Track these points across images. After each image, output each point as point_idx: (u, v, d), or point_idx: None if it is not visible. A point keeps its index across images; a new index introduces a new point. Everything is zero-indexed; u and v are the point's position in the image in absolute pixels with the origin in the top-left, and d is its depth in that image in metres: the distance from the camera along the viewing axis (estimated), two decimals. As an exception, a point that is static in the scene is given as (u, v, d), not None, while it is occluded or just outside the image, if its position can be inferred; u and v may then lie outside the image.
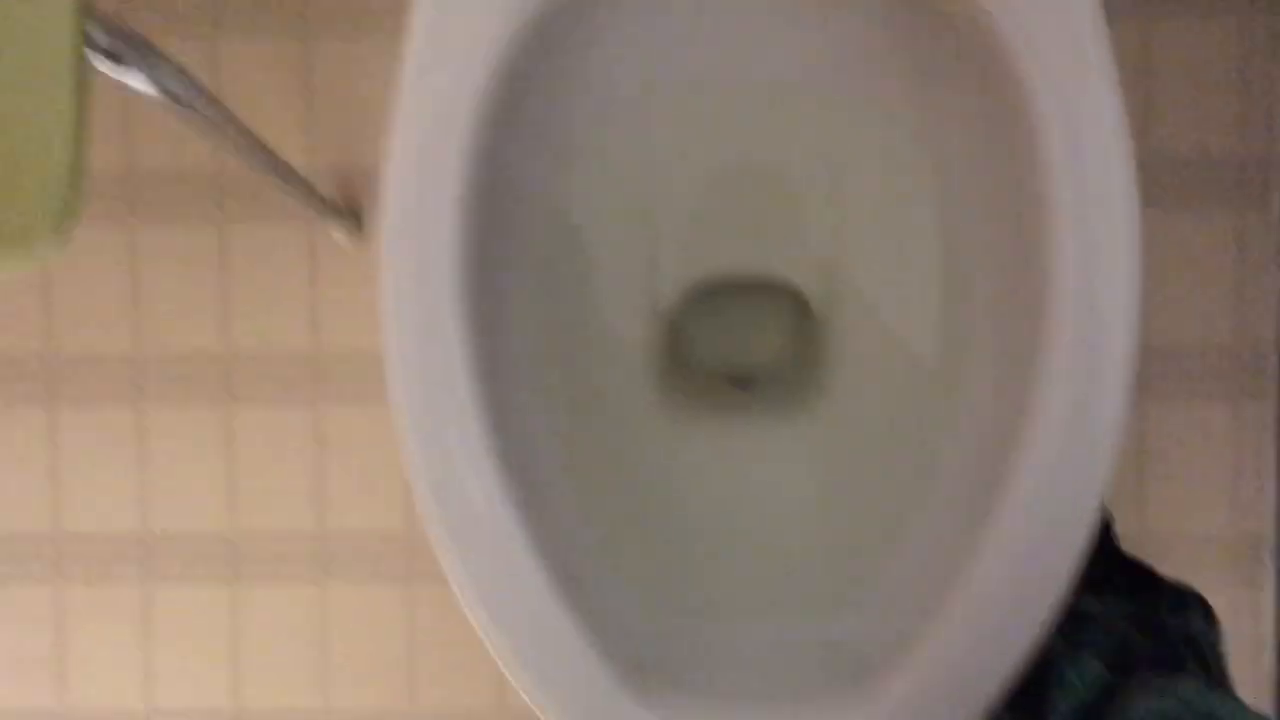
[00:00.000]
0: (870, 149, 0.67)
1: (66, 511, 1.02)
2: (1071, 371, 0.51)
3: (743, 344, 0.74)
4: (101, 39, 0.63)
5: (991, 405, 0.59)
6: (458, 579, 0.55)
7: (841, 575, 0.64)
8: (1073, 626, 0.66)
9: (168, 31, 0.99)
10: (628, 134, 0.67)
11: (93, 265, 1.01)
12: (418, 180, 0.54)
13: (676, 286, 0.69)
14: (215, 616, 1.02)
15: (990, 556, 0.51)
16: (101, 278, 1.01)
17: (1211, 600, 0.86)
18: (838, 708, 0.53)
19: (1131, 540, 0.96)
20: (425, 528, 0.55)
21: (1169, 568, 0.90)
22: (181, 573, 1.02)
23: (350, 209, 0.97)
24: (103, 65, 0.64)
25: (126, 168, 1.00)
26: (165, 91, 0.68)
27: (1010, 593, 0.51)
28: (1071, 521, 0.51)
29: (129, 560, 1.02)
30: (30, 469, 1.02)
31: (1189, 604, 0.69)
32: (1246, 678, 0.96)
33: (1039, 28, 0.52)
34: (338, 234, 0.98)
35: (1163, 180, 0.95)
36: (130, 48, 0.65)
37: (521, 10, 0.55)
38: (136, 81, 0.66)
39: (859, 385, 0.68)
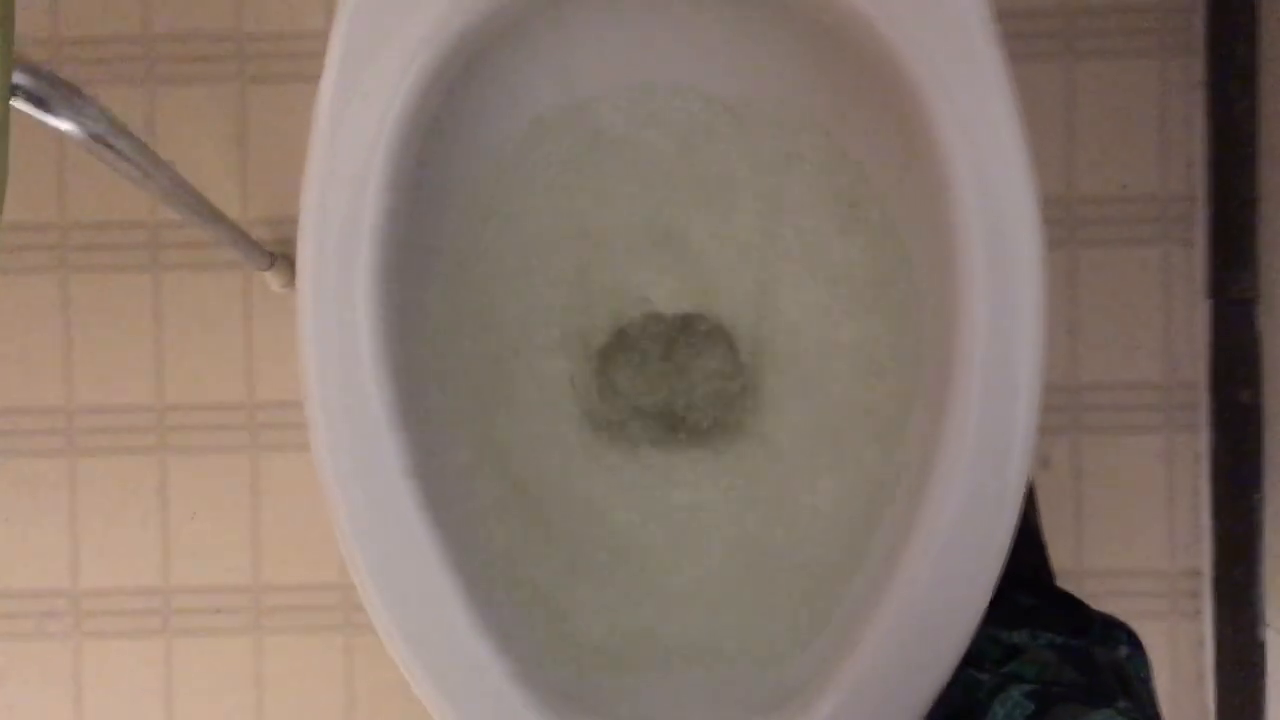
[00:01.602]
0: (800, 180, 0.68)
1: (-4, 566, 1.00)
2: (978, 402, 0.52)
3: (674, 381, 0.74)
4: (27, 84, 0.63)
5: (919, 439, 0.60)
6: (380, 621, 0.54)
7: (771, 617, 0.64)
8: (1002, 659, 0.66)
9: (101, 79, 0.99)
10: (552, 167, 0.68)
11: (25, 316, 1.00)
12: (333, 232, 0.55)
13: (606, 324, 0.70)
14: (149, 670, 1.00)
15: (907, 582, 0.52)
16: (33, 328, 1.00)
17: (1151, 632, 0.86)
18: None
19: (1069, 576, 0.97)
20: (351, 574, 0.55)
21: (1107, 603, 0.90)
22: (114, 628, 1.00)
23: (285, 256, 0.97)
24: (29, 110, 0.64)
25: (59, 217, 1.00)
26: (93, 136, 0.68)
27: (927, 615, 0.52)
28: (987, 544, 0.52)
29: (60, 615, 1.00)
30: (-41, 523, 1.00)
31: (1118, 635, 0.70)
32: (1188, 709, 0.97)
33: (944, 64, 0.54)
34: (273, 282, 0.97)
35: (1088, 218, 0.97)
36: (56, 93, 0.65)
37: (439, 43, 0.55)
38: (64, 126, 0.66)
39: (789, 421, 0.69)
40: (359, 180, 0.55)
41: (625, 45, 0.65)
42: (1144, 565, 0.97)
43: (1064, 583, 0.91)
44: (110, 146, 0.69)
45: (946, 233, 0.53)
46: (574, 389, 0.70)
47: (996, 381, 0.52)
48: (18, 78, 0.61)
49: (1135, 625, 0.72)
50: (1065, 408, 0.97)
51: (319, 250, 0.55)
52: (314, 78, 0.56)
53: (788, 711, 0.54)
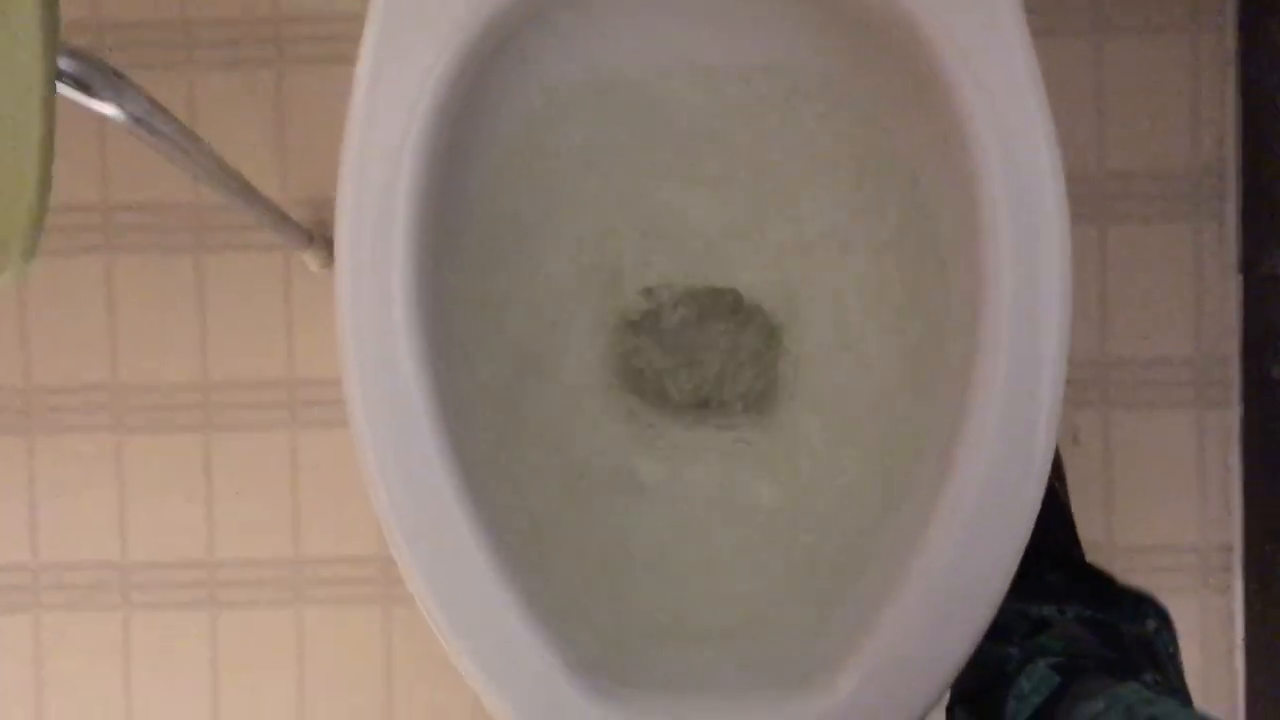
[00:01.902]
0: (830, 160, 0.68)
1: (45, 540, 1.03)
2: (1004, 374, 0.52)
3: (704, 360, 0.75)
4: (71, 68, 0.64)
5: (946, 412, 0.60)
6: (421, 593, 0.56)
7: (799, 599, 0.65)
8: (1029, 632, 0.67)
9: (142, 64, 1.00)
10: (583, 148, 0.69)
11: (71, 296, 1.02)
12: (370, 211, 0.56)
13: (637, 302, 0.71)
14: (194, 642, 1.02)
15: (932, 556, 0.52)
16: (80, 308, 1.02)
17: (1181, 607, 0.86)
18: (790, 702, 0.54)
19: (1099, 551, 0.97)
20: (390, 548, 0.57)
21: (1138, 578, 0.91)
22: (160, 600, 1.02)
23: (324, 237, 0.98)
24: (72, 94, 0.65)
25: (103, 199, 1.02)
26: (135, 120, 0.69)
27: (952, 589, 0.52)
28: (1011, 518, 0.53)
29: (108, 588, 1.02)
30: (8, 499, 1.03)
31: (1145, 610, 0.70)
32: (1218, 684, 0.97)
33: (971, 46, 0.54)
34: (311, 262, 0.99)
35: (1119, 194, 0.96)
36: (99, 77, 0.67)
37: (473, 24, 0.56)
38: (107, 110, 0.68)
39: (819, 402, 0.69)
40: (393, 158, 0.56)
41: (650, 26, 0.66)
42: (1175, 540, 0.97)
43: (1094, 558, 0.91)
44: (152, 129, 0.71)
45: (972, 205, 0.54)
46: (605, 363, 0.71)
47: (1022, 352, 0.52)
48: (62, 63, 0.63)
49: (1166, 600, 0.72)
50: (1096, 383, 0.97)
51: (356, 227, 0.56)
52: (350, 60, 0.57)
53: (815, 684, 0.55)
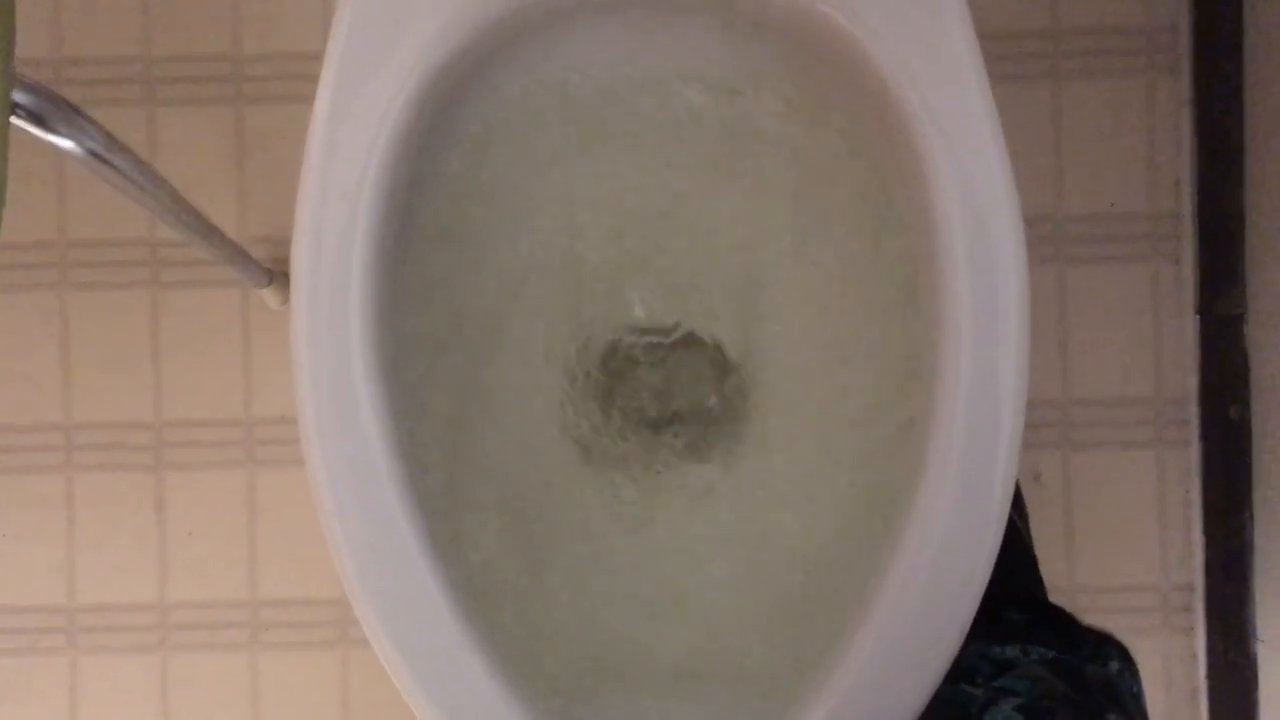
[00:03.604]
0: (784, 194, 0.68)
1: (-7, 583, 1.00)
2: (964, 413, 0.53)
3: (665, 392, 0.75)
4: (26, 101, 0.63)
5: (908, 455, 0.60)
6: (377, 637, 0.55)
7: (760, 641, 0.65)
8: (993, 674, 0.67)
9: (101, 100, 0.99)
10: (543, 183, 0.69)
11: (25, 333, 1.00)
12: (329, 248, 0.56)
13: (596, 338, 0.70)
14: (144, 688, 1.00)
15: (892, 596, 0.52)
16: (33, 345, 1.00)
17: (1145, 648, 0.86)
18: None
19: (1062, 592, 0.97)
20: (346, 591, 0.56)
21: (1101, 618, 0.91)
22: (108, 644, 1.00)
23: (284, 274, 0.97)
24: (27, 127, 0.64)
25: (59, 235, 1.00)
26: (91, 154, 0.69)
27: (914, 628, 0.52)
28: (971, 558, 0.52)
29: (54, 633, 1.00)
30: (-44, 540, 1.00)
31: (1108, 651, 0.70)
32: (1180, 728, 0.97)
33: (931, 91, 0.55)
34: (271, 299, 0.98)
35: (1077, 236, 0.97)
36: (55, 110, 0.66)
37: (428, 64, 0.56)
38: (62, 144, 0.67)
39: (781, 432, 0.69)
40: (352, 196, 0.56)
41: (621, 54, 0.66)
42: (1137, 581, 0.98)
43: (1056, 598, 0.91)
44: (109, 164, 0.70)
45: (930, 248, 0.54)
46: (566, 401, 0.70)
47: (980, 393, 0.53)
48: (17, 95, 0.62)
49: (1129, 640, 0.72)
50: (1056, 424, 0.98)
51: (313, 263, 0.56)
52: (311, 99, 0.57)
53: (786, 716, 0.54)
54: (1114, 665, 0.70)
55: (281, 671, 1.00)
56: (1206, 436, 0.95)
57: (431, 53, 0.56)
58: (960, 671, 0.66)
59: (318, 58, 0.58)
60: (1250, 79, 0.92)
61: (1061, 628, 0.74)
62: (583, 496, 0.69)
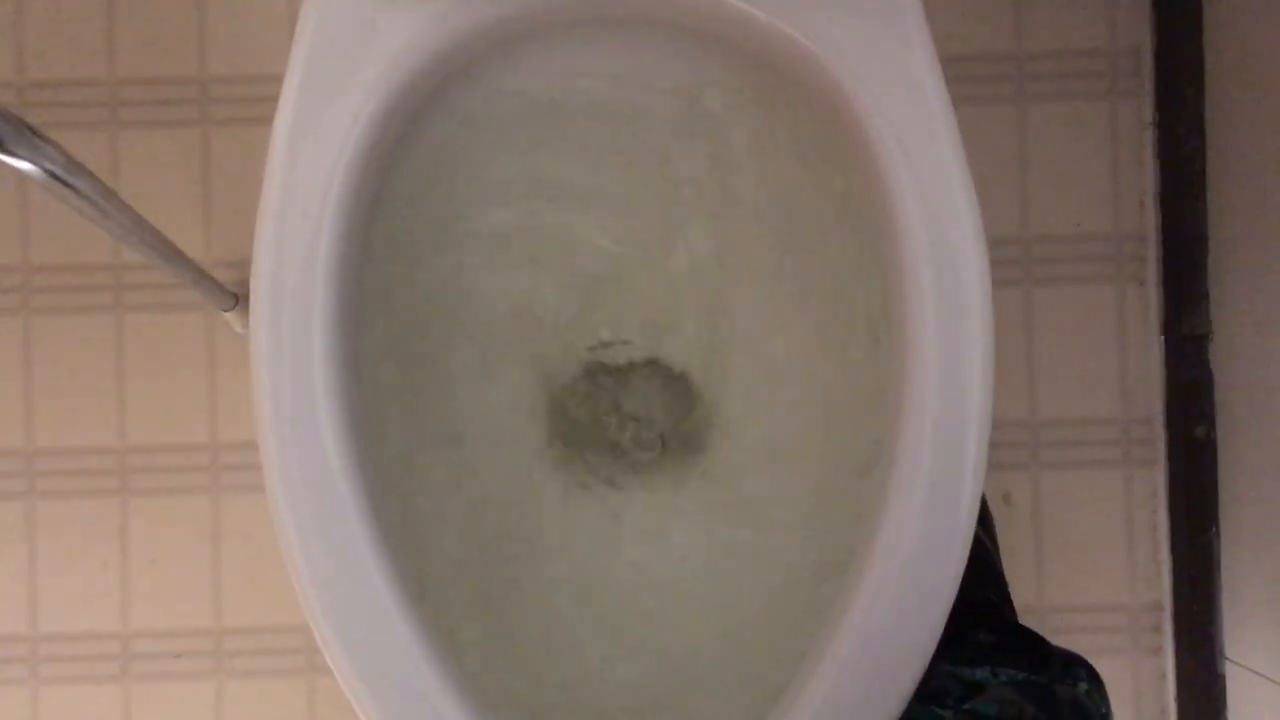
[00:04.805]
0: (748, 220, 0.68)
1: (-48, 612, 0.99)
2: (929, 436, 0.52)
3: (629, 419, 0.75)
4: (-17, 124, 0.63)
5: (874, 477, 0.60)
6: (339, 665, 0.54)
7: (726, 665, 0.64)
8: (963, 696, 0.67)
9: (66, 123, 0.99)
10: (506, 214, 0.68)
11: (-15, 358, 0.99)
12: (290, 270, 0.55)
13: (560, 367, 0.70)
14: (108, 717, 0.98)
15: (859, 619, 0.52)
16: (-6, 370, 0.99)
17: (1114, 668, 0.86)
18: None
19: (1031, 612, 0.97)
20: (308, 618, 0.55)
21: (1070, 638, 0.91)
22: (70, 673, 0.98)
23: (248, 297, 0.96)
24: (-15, 150, 0.64)
25: (22, 259, 0.99)
26: (52, 177, 0.68)
27: (879, 651, 0.52)
28: (936, 579, 0.52)
29: (15, 662, 0.98)
30: (-85, 569, 0.99)
31: (1077, 672, 0.70)
32: (1151, 748, 0.97)
33: (895, 113, 0.55)
34: (236, 323, 0.97)
35: (1043, 257, 0.98)
36: (14, 133, 0.65)
37: (391, 85, 0.56)
38: (22, 166, 0.66)
39: (747, 460, 0.69)
40: (313, 218, 0.55)
41: (579, 69, 0.66)
42: (1105, 600, 0.98)
43: (1026, 619, 0.91)
44: (69, 186, 0.69)
45: (895, 270, 0.54)
46: (532, 424, 0.70)
47: (946, 415, 0.52)
48: (-27, 118, 0.62)
49: (1098, 661, 0.72)
50: (1024, 444, 0.98)
51: (274, 285, 0.55)
52: (274, 121, 0.57)
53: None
54: (1083, 686, 0.70)
55: (247, 700, 0.99)
56: (1173, 456, 0.96)
57: (394, 72, 0.56)
58: (930, 693, 0.65)
59: (282, 81, 0.58)
60: (1211, 102, 0.93)
61: (1030, 649, 0.74)
62: (549, 515, 0.68)
